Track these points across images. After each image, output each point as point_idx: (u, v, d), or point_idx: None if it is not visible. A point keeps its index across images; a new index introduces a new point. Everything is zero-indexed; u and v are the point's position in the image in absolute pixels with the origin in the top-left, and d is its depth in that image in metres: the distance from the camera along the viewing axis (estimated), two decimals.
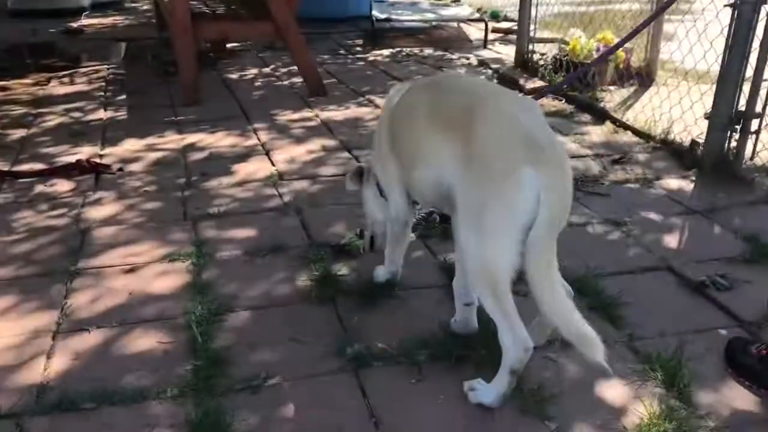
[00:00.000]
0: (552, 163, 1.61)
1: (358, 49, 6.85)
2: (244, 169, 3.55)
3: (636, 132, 4.05)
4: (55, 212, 3.02)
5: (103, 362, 1.99)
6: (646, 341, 2.11)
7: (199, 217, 2.96)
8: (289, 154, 3.76)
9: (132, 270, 2.50)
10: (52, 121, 4.45)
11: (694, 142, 3.61)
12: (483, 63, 6.02)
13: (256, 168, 3.57)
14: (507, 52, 6.41)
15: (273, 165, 3.61)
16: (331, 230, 2.83)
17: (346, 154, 3.74)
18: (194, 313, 2.19)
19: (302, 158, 3.71)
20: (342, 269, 2.50)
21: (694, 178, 3.38)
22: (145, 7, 10.32)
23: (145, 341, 2.08)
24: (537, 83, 5.13)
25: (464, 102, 1.75)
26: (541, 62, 5.40)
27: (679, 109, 3.86)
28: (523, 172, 1.57)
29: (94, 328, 2.14)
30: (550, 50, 5.58)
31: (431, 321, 2.19)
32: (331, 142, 3.97)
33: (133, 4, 10.76)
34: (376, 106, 4.74)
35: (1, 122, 4.41)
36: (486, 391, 1.82)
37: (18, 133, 4.18)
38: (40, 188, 3.30)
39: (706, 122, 3.49)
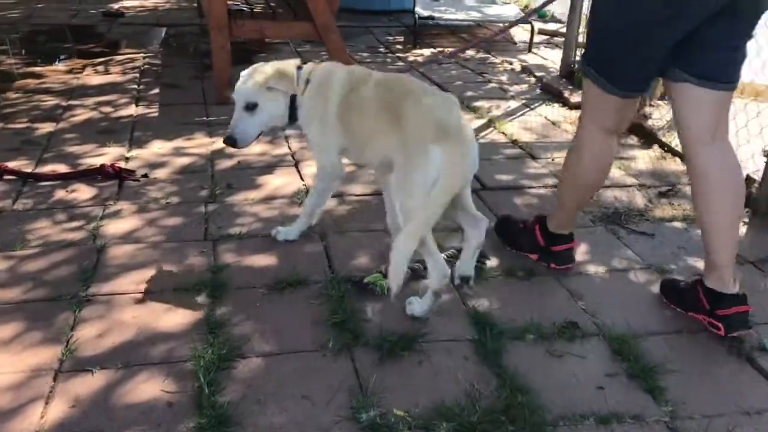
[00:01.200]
0: (454, 144, 2.15)
1: (399, 47, 6.65)
2: (271, 183, 3.42)
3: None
4: (72, 224, 2.91)
5: (104, 411, 1.87)
6: (690, 422, 1.93)
7: (220, 237, 2.84)
8: None
9: (143, 299, 2.38)
10: (82, 115, 4.36)
11: (749, 179, 3.36)
12: (526, 70, 5.78)
13: (284, 182, 3.43)
14: (552, 58, 6.16)
15: (301, 179, 3.47)
16: (355, 262, 2.68)
17: (369, 171, 3.55)
18: (203, 357, 2.06)
19: None
20: (363, 311, 2.35)
21: (746, 221, 3.14)
22: None
23: (149, 388, 1.96)
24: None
25: (399, 97, 2.30)
26: None
27: (734, 140, 3.60)
28: (431, 149, 2.13)
29: (97, 369, 2.03)
30: None
31: (455, 383, 2.04)
32: None
33: None
34: None
35: (31, 114, 4.34)
36: (418, 305, 2.33)
37: (46, 128, 4.10)
38: (60, 194, 3.21)
39: (764, 158, 3.25)
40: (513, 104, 4.86)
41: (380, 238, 2.87)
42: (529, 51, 6.52)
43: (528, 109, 4.79)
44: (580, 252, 2.83)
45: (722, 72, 2.15)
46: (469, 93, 5.04)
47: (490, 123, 4.40)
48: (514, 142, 4.08)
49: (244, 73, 2.59)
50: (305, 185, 3.39)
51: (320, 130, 2.54)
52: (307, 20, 4.54)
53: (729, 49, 2.13)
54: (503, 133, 4.24)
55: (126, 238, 2.81)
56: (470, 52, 6.44)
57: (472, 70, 5.74)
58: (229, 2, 4.45)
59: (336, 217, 3.06)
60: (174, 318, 2.29)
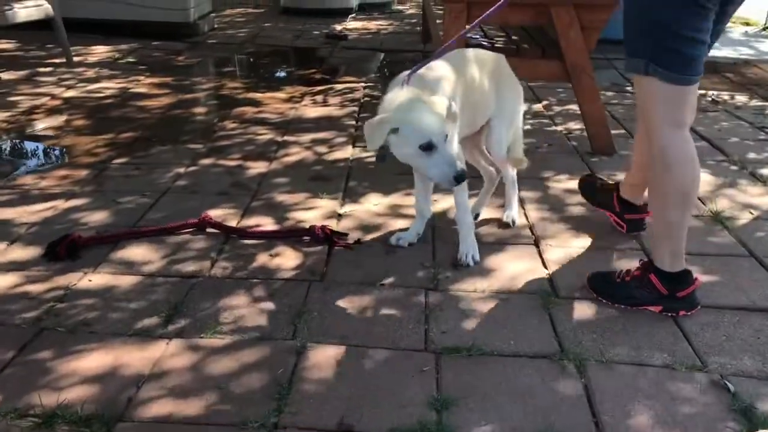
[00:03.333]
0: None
1: None
2: (503, 267, 2.73)
3: None
4: (272, 305, 2.44)
5: None
6: None
7: (444, 350, 2.20)
8: (564, 250, 2.87)
9: None
10: (295, 155, 3.99)
11: None
12: None
13: (521, 267, 2.73)
14: None
15: (544, 266, 2.74)
16: (634, 421, 1.90)
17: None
18: None
19: (583, 261, 2.78)
20: None
21: None
22: (411, 11, 9.93)
23: None
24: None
25: (493, 65, 2.90)
26: None
27: None
28: (521, 90, 3.02)
29: None
30: None
31: None
32: (621, 238, 2.99)
33: (400, 7, 10.41)
34: None
35: (245, 150, 4.05)
36: (513, 213, 3.12)
37: (258, 168, 3.76)
38: (262, 258, 2.77)
39: None
40: None
41: (661, 379, 2.07)
42: None
43: None
44: None
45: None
46: (752, 155, 4.00)
47: None
48: None
49: (428, 108, 2.39)
50: (548, 276, 2.67)
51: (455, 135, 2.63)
52: (556, 58, 3.82)
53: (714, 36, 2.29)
54: None
55: (330, 335, 2.27)
56: (742, 98, 5.32)
57: (750, 123, 4.66)
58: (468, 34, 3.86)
59: (596, 333, 2.30)
60: None
